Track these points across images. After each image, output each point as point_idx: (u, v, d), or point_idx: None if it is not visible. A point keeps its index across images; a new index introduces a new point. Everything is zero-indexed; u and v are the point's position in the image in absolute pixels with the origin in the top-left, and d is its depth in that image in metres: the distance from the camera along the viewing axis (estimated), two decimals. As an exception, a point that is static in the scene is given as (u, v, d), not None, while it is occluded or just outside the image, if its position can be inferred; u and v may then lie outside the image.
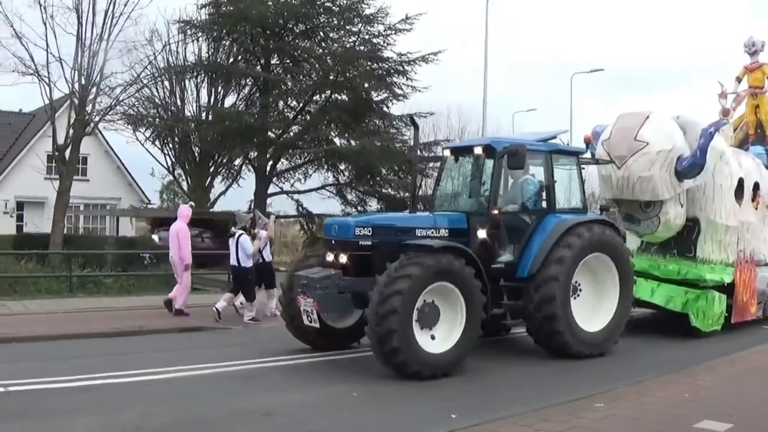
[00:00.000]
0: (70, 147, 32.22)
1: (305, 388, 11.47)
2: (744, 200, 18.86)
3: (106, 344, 15.30)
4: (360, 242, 13.32)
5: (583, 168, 16.30)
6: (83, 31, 31.52)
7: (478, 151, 14.67)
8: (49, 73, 31.63)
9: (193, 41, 36.02)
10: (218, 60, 36.96)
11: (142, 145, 41.04)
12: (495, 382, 12.45)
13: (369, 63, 33.90)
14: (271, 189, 35.86)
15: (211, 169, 41.01)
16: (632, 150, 16.99)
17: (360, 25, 33.77)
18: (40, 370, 12.11)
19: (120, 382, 11.44)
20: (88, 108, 32.21)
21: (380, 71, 33.95)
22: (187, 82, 39.36)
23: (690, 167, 16.94)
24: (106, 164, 51.79)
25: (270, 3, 33.21)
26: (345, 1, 33.42)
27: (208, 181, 41.17)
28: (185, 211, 19.59)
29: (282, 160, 36.11)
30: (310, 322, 13.54)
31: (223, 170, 41.28)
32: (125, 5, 31.83)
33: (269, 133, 34.41)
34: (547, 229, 14.55)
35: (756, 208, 19.60)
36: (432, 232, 13.85)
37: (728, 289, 18.16)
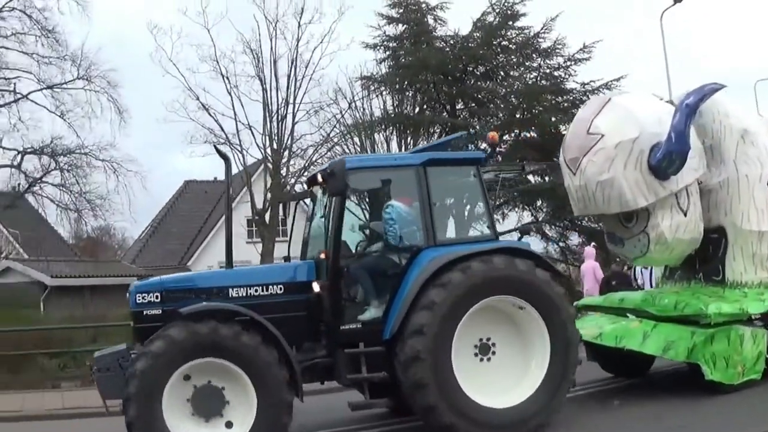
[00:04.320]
0: (269, 210, 33.43)
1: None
2: None
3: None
4: (145, 312, 10.71)
5: (508, 180, 13.07)
6: (268, 97, 32.96)
7: (319, 179, 11.47)
8: (240, 140, 33.34)
9: (377, 96, 36.59)
10: (404, 111, 37.38)
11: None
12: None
13: (553, 97, 33.27)
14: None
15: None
16: (585, 148, 12.76)
17: (539, 59, 33.51)
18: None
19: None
20: (283, 171, 33.36)
21: (565, 103, 33.18)
22: (376, 135, 40.02)
23: (664, 158, 12.31)
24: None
25: (447, 49, 33.48)
26: (520, 38, 33.25)
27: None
28: (592, 250, 21.37)
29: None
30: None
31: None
32: (306, 68, 33.02)
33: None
34: (418, 268, 10.93)
35: None
36: (258, 290, 11.04)
37: None
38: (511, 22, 33.23)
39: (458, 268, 10.78)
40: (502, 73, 34.39)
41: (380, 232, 11.40)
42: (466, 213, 12.56)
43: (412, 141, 39.65)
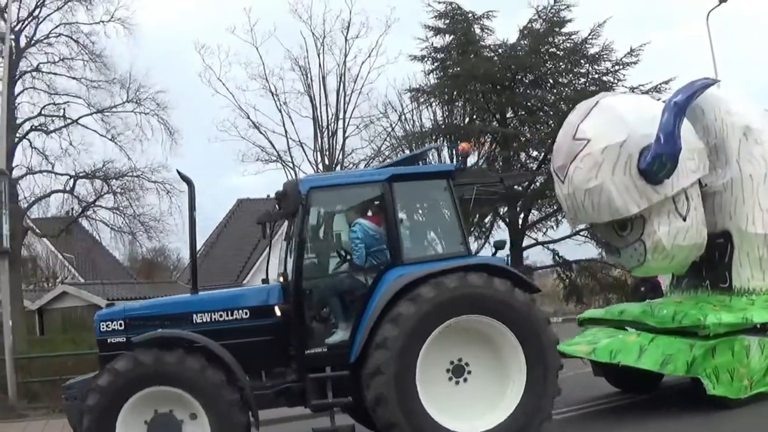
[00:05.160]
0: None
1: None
2: None
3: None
4: (109, 340, 10.72)
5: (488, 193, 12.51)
6: (318, 113, 33.19)
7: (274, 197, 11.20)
8: (291, 157, 33.71)
9: (426, 107, 36.59)
10: (454, 121, 37.33)
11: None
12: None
13: (602, 102, 32.92)
14: (526, 241, 35.55)
15: (463, 230, 41.21)
16: (571, 154, 12.27)
17: (587, 65, 33.28)
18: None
19: None
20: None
21: (614, 108, 32.86)
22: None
23: (654, 161, 11.68)
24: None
25: (495, 58, 33.44)
26: (568, 45, 33.09)
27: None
28: None
29: (533, 210, 35.72)
30: None
31: (475, 229, 41.43)
32: (355, 82, 33.20)
33: (516, 186, 34.22)
34: (383, 288, 10.58)
35: None
36: (222, 315, 10.83)
37: None
38: (558, 29, 33.04)
39: (430, 283, 10.47)
40: (550, 80, 34.20)
41: (347, 252, 11.22)
42: (438, 229, 11.96)
43: (463, 151, 39.65)
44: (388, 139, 35.90)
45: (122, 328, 10.73)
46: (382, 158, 36.12)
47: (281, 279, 11.18)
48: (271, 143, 33.99)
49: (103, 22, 31.70)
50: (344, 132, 34.68)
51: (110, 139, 32.24)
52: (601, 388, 14.36)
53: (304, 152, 34.29)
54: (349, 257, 11.33)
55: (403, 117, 36.65)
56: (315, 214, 11.41)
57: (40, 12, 30.69)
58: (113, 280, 35.41)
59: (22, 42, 30.66)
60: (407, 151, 39.73)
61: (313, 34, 34.63)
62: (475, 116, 36.85)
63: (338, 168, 34.82)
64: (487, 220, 39.87)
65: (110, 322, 10.82)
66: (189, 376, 9.88)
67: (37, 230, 33.68)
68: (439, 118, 38.94)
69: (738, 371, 11.98)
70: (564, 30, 33.14)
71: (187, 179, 11.59)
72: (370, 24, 35.41)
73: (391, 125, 36.09)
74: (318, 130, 33.82)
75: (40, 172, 31.58)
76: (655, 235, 12.28)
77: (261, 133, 33.92)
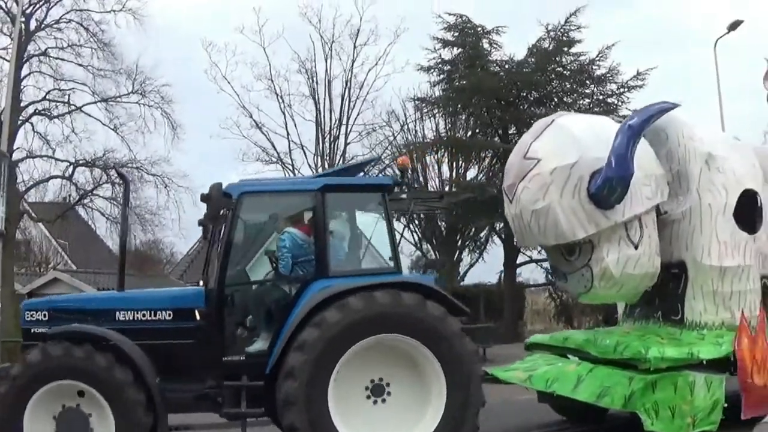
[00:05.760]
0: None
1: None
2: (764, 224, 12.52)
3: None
4: (32, 330, 10.47)
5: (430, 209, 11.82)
6: (322, 117, 33.24)
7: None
8: (292, 159, 33.61)
9: (429, 118, 36.68)
10: (456, 134, 37.38)
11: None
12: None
13: (606, 124, 33.02)
14: (521, 258, 35.59)
15: (458, 243, 41.31)
16: (521, 174, 11.56)
17: (592, 86, 33.36)
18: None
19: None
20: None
21: (617, 131, 32.94)
22: (428, 157, 40.15)
23: (604, 185, 10.98)
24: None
25: (502, 74, 33.48)
26: (575, 65, 33.13)
27: (456, 255, 41.46)
28: None
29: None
30: None
31: (470, 243, 41.49)
32: (360, 89, 33.26)
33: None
34: (305, 301, 10.22)
35: None
36: (146, 315, 10.47)
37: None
38: (566, 48, 33.14)
39: (335, 306, 9.95)
40: (555, 99, 34.22)
41: (274, 261, 10.88)
42: (370, 243, 11.41)
43: (464, 164, 39.83)
44: (389, 147, 35.81)
45: (46, 319, 10.51)
46: (383, 166, 36.20)
47: (200, 283, 10.92)
48: (272, 144, 34.15)
49: (114, 11, 32.04)
50: (346, 138, 34.79)
51: (113, 129, 32.54)
52: (542, 416, 13.72)
53: (305, 155, 34.44)
54: (275, 266, 10.96)
55: (405, 126, 36.65)
56: (245, 220, 11.03)
57: (52, -4, 30.74)
58: (105, 269, 35.27)
59: (32, 25, 30.85)
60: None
61: (321, 38, 34.80)
62: (477, 131, 36.93)
63: (339, 174, 34.83)
64: (482, 234, 40.02)
65: (35, 312, 10.62)
66: (95, 372, 9.66)
67: (34, 214, 33.75)
68: (441, 130, 39.07)
69: (680, 408, 11.26)
70: (572, 50, 33.24)
71: (122, 176, 11.60)
72: (379, 32, 35.33)
73: (393, 134, 36.13)
74: (320, 134, 33.96)
75: (41, 156, 31.86)
76: (602, 262, 11.56)
77: (263, 133, 34.09)
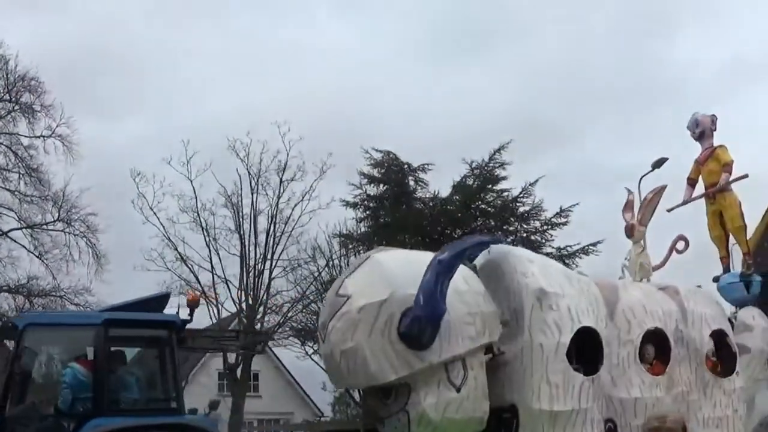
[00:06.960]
0: (241, 365, 32.87)
1: None
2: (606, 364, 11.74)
3: None
4: None
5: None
6: (246, 252, 33.03)
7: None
8: (216, 293, 33.04)
9: (354, 254, 36.59)
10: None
11: (311, 358, 41.41)
12: None
13: (528, 261, 33.38)
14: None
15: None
16: (332, 311, 10.66)
17: (516, 223, 33.53)
18: None
19: None
20: (257, 326, 33.03)
21: (541, 268, 33.31)
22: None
23: (413, 325, 10.09)
24: (277, 379, 53.09)
25: (427, 211, 33.63)
26: (499, 202, 33.43)
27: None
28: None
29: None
30: None
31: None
32: (286, 224, 33.24)
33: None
34: None
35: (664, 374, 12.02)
36: None
37: None
38: (490, 186, 33.52)
39: None
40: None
41: (57, 394, 10.54)
42: (153, 381, 11.18)
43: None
44: (314, 283, 35.51)
45: None
46: (307, 302, 35.84)
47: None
48: (196, 278, 33.58)
49: (43, 136, 32.01)
50: (270, 273, 34.38)
51: (37, 256, 32.37)
52: None
53: (229, 290, 33.88)
54: (56, 401, 10.63)
55: (331, 263, 36.46)
56: (31, 352, 10.73)
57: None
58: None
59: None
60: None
61: (248, 172, 34.70)
62: (403, 267, 36.90)
63: (261, 308, 34.34)
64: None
65: None
66: None
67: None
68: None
69: None
70: (496, 187, 33.62)
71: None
72: (306, 168, 35.53)
73: (318, 269, 35.78)
74: (245, 269, 33.52)
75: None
76: (419, 406, 10.46)
77: (187, 266, 33.53)
